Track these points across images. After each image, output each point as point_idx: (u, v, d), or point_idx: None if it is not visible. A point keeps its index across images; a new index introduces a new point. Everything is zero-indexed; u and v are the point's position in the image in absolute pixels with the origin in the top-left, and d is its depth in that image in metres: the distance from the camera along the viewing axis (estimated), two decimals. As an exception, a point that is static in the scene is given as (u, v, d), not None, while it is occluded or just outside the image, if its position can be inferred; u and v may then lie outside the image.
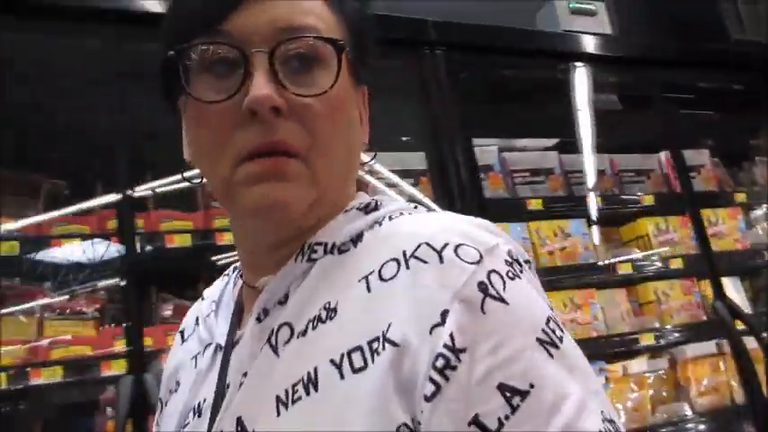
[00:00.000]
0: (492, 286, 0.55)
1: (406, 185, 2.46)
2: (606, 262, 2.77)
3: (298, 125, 0.63)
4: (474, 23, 2.17)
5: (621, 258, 2.79)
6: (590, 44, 2.37)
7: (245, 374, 0.63)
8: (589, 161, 2.79)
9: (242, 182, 0.63)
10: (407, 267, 0.57)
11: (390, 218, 0.65)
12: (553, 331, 0.55)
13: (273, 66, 0.62)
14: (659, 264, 2.76)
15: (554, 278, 2.59)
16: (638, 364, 2.60)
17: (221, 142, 0.63)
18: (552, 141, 2.82)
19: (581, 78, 2.48)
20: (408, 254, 0.58)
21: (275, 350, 0.62)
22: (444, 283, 0.55)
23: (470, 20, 2.28)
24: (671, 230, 2.93)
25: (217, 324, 0.74)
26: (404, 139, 2.59)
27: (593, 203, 2.75)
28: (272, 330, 0.63)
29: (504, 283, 0.56)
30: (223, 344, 0.70)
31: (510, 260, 0.59)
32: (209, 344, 0.72)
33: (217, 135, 0.64)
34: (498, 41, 2.23)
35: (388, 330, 0.55)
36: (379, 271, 0.59)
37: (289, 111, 0.62)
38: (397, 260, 0.58)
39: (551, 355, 0.54)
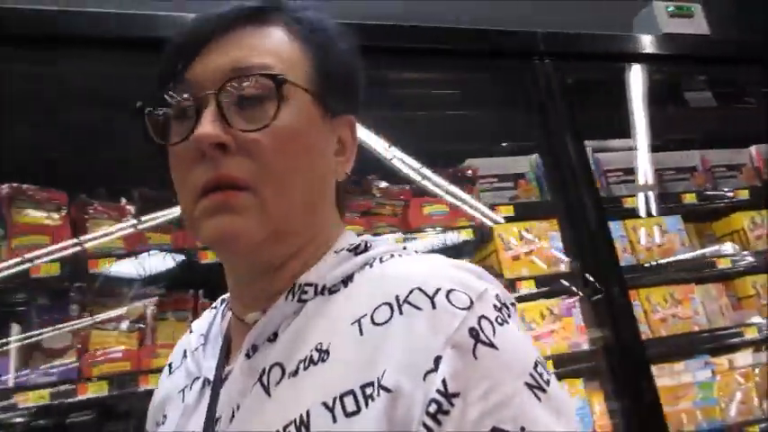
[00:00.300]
0: (483, 332, 0.56)
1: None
2: (700, 252, 2.79)
3: (246, 159, 0.63)
4: (578, 32, 2.23)
5: (713, 250, 2.80)
6: (691, 45, 2.40)
7: (235, 410, 0.63)
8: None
9: (199, 216, 0.65)
10: (401, 313, 0.58)
11: (381, 260, 0.66)
12: (540, 375, 0.57)
13: (220, 105, 0.64)
14: (754, 258, 2.75)
15: (653, 274, 2.62)
16: (743, 358, 2.60)
17: (183, 181, 0.66)
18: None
19: (676, 78, 2.51)
20: (402, 299, 0.58)
21: (267, 390, 0.62)
22: (437, 330, 0.56)
23: (567, 29, 2.35)
24: (766, 224, 2.91)
25: (205, 358, 0.73)
26: (504, 144, 2.65)
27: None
28: (264, 370, 0.63)
29: (494, 328, 0.57)
30: (212, 378, 0.69)
31: (498, 305, 0.60)
32: (197, 378, 0.72)
33: (180, 174, 0.67)
34: (602, 48, 2.29)
35: (382, 377, 0.55)
36: (372, 315, 0.59)
37: (237, 147, 0.63)
38: (389, 305, 0.59)
39: (539, 399, 0.55)
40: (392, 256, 0.66)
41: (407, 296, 0.58)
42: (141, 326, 1.94)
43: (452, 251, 2.52)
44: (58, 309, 1.98)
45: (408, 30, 2.14)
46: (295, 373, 0.61)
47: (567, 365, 2.34)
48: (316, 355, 0.60)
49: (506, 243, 2.48)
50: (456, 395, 0.53)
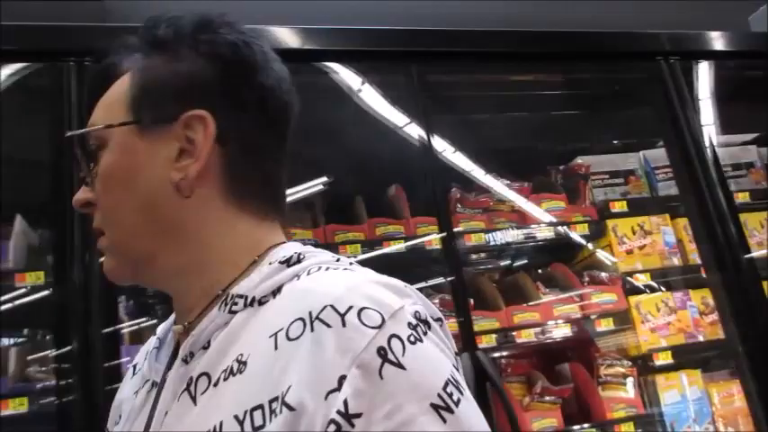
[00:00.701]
0: (391, 351, 0.55)
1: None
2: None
3: (99, 209, 0.70)
4: (698, 32, 2.25)
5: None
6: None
7: (166, 415, 0.64)
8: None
9: None
10: (312, 330, 0.56)
11: (309, 272, 0.64)
12: (450, 395, 0.55)
13: (81, 169, 0.72)
14: None
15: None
16: None
17: None
18: (751, 136, 2.83)
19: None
20: (314, 315, 0.57)
21: (194, 399, 0.62)
22: (344, 348, 0.54)
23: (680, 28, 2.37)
24: None
25: (156, 361, 0.74)
26: (615, 142, 2.69)
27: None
28: (192, 379, 0.63)
29: (404, 347, 0.55)
30: (159, 381, 0.70)
31: (414, 323, 0.58)
32: (148, 380, 0.73)
33: None
34: (721, 46, 2.30)
35: (287, 393, 0.54)
36: (288, 329, 0.58)
37: (98, 201, 0.70)
38: (303, 320, 0.58)
39: (444, 420, 0.54)
40: (319, 268, 0.64)
41: (320, 313, 0.57)
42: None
43: (567, 246, 2.59)
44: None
45: (531, 35, 2.21)
46: (216, 383, 0.61)
47: (684, 356, 2.37)
48: (235, 366, 0.60)
49: (620, 238, 2.53)
50: (357, 416, 0.52)
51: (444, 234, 2.04)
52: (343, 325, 0.56)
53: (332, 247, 2.15)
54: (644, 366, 2.38)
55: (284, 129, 0.74)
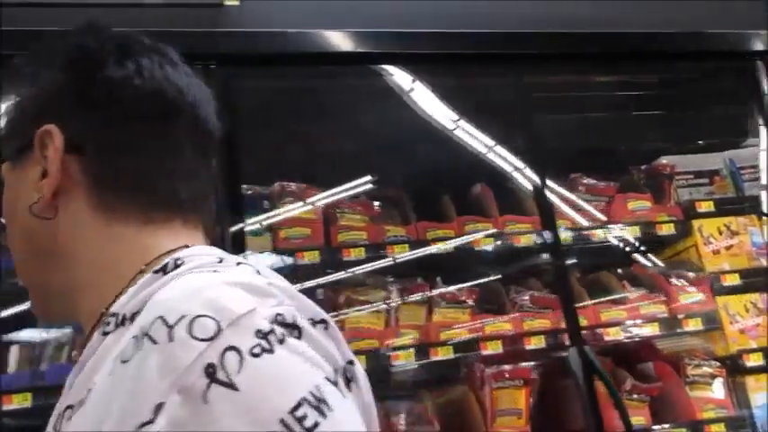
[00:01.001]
0: (223, 368, 0.45)
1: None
2: None
3: None
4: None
5: None
6: None
7: None
8: None
9: None
10: (140, 348, 0.47)
11: (177, 279, 0.55)
12: (301, 419, 0.44)
13: None
14: None
15: None
16: None
17: None
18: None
19: None
20: (144, 331, 0.48)
21: None
22: (166, 369, 0.45)
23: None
24: None
25: None
26: (700, 142, 2.67)
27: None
28: (60, 413, 0.56)
29: (242, 362, 0.45)
30: None
31: (267, 329, 0.47)
32: None
33: None
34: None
35: (106, 429, 0.46)
36: (123, 349, 0.49)
37: None
38: (136, 337, 0.48)
39: None
40: (189, 273, 0.56)
41: (150, 327, 0.48)
42: (386, 308, 2.13)
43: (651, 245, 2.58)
44: (309, 292, 2.22)
45: (615, 36, 2.23)
46: (71, 417, 0.54)
47: (774, 358, 2.33)
48: (85, 396, 0.52)
49: (706, 238, 2.50)
50: None
51: (542, 230, 2.07)
52: (170, 340, 0.46)
53: (423, 243, 2.21)
54: (733, 367, 2.35)
55: (158, 118, 0.66)
